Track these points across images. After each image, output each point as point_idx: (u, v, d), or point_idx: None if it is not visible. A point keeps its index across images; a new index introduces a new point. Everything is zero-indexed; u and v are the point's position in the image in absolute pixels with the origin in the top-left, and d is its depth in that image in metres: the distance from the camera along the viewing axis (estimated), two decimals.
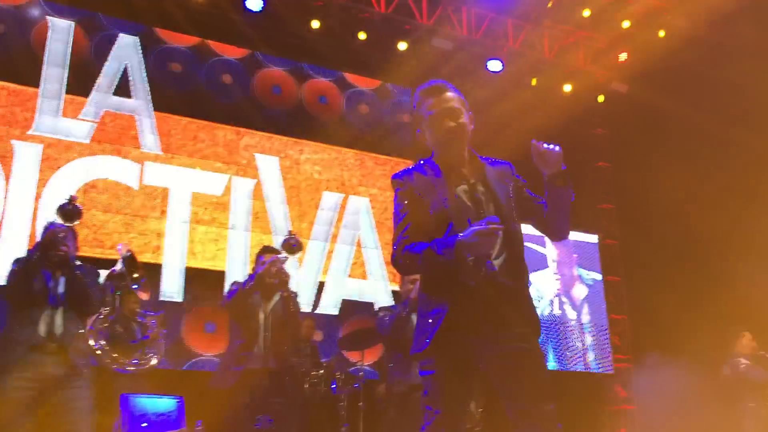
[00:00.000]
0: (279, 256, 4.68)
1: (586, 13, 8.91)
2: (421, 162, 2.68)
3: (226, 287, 7.43)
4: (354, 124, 8.91)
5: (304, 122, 8.59)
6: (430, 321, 2.48)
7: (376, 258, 8.40)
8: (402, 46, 8.82)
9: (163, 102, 7.80)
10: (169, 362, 6.75)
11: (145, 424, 5.16)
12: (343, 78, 9.02)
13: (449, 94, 2.64)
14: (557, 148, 2.57)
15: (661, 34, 8.97)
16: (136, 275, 4.48)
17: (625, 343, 9.77)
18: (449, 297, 2.47)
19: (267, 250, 4.90)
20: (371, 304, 8.20)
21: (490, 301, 2.46)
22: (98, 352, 4.49)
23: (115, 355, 4.73)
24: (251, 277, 4.59)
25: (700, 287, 8.01)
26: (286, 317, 4.66)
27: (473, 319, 2.45)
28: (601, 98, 9.99)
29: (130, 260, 4.46)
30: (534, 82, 9.55)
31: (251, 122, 8.24)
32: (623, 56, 9.60)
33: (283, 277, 4.69)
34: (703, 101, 7.99)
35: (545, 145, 2.57)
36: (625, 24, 9.09)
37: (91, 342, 4.36)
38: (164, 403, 5.21)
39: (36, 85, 7.25)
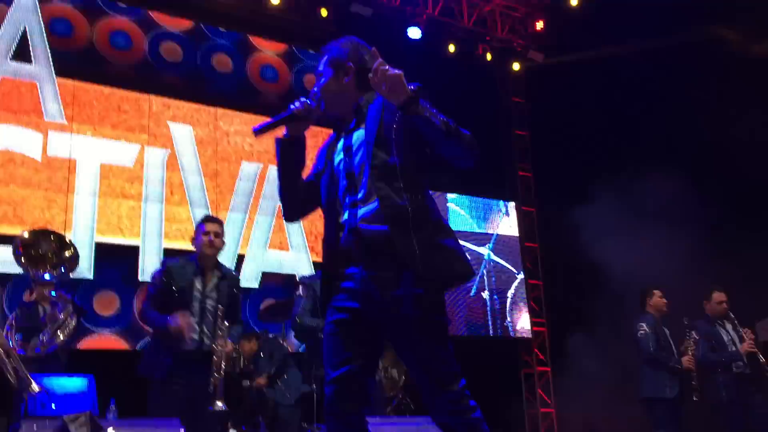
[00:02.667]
0: None
1: None
2: None
3: (141, 263, 7.25)
4: (268, 92, 8.67)
5: (218, 88, 8.30)
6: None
7: (298, 229, 8.26)
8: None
9: (66, 67, 7.36)
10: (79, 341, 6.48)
11: (54, 406, 4.92)
12: (247, 41, 8.75)
13: (319, 63, 2.59)
14: (396, 70, 2.28)
15: (575, 2, 9.11)
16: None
17: (542, 307, 10.03)
18: (325, 255, 2.50)
19: (209, 219, 4.68)
20: (292, 276, 8.08)
21: (359, 261, 2.37)
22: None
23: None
24: (167, 319, 4.25)
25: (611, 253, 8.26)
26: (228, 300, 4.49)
27: (343, 282, 2.40)
28: (516, 66, 10.09)
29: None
30: (453, 48, 9.53)
31: (162, 88, 7.90)
32: (540, 25, 9.72)
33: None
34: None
35: (383, 68, 2.27)
36: None
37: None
38: (74, 383, 4.98)
39: None
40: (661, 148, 8.29)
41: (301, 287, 5.65)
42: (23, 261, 4.23)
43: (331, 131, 2.63)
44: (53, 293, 5.08)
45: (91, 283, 6.95)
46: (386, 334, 2.40)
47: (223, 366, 4.24)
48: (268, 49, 8.83)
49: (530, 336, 9.83)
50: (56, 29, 7.45)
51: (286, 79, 8.83)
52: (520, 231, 10.13)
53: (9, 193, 6.77)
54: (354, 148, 2.45)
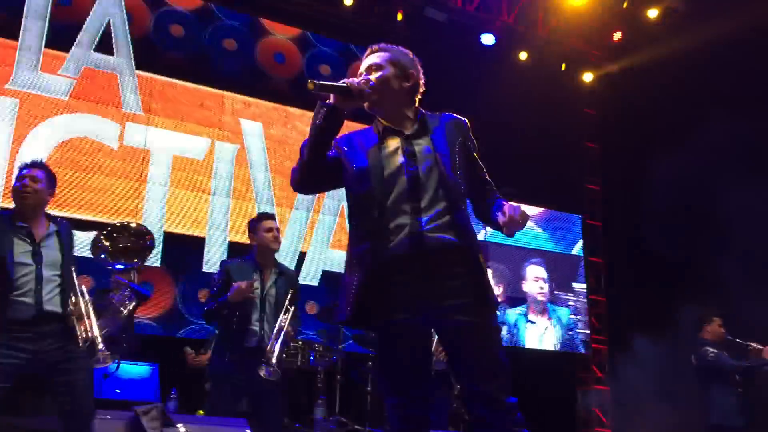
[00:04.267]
0: None
1: None
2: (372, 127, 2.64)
3: (206, 255, 7.40)
4: None
5: (290, 90, 8.40)
6: (353, 288, 2.38)
7: None
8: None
9: (146, 61, 7.58)
10: (152, 328, 6.65)
11: (118, 390, 5.07)
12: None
13: (373, 55, 2.61)
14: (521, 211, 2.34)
15: (653, 14, 8.86)
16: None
17: (604, 324, 9.81)
18: (365, 261, 2.37)
19: (264, 217, 4.73)
20: None
21: (417, 267, 2.33)
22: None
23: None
24: (223, 298, 4.34)
25: (682, 272, 8.02)
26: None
27: (397, 289, 2.33)
28: (589, 77, 9.88)
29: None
30: (525, 56, 9.41)
31: (238, 87, 8.05)
32: (617, 36, 9.51)
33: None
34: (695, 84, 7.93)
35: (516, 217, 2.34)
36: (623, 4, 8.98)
37: None
38: (139, 370, 5.12)
39: (15, 37, 7.00)
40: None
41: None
42: (102, 255, 4.31)
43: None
44: (120, 278, 5.25)
45: (158, 270, 7.12)
46: (446, 340, 2.39)
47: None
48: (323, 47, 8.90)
49: (589, 352, 9.62)
50: (137, 23, 7.67)
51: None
52: (584, 245, 9.93)
53: (85, 180, 6.99)
54: (419, 156, 2.45)
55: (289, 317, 4.35)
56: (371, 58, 2.60)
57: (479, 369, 2.28)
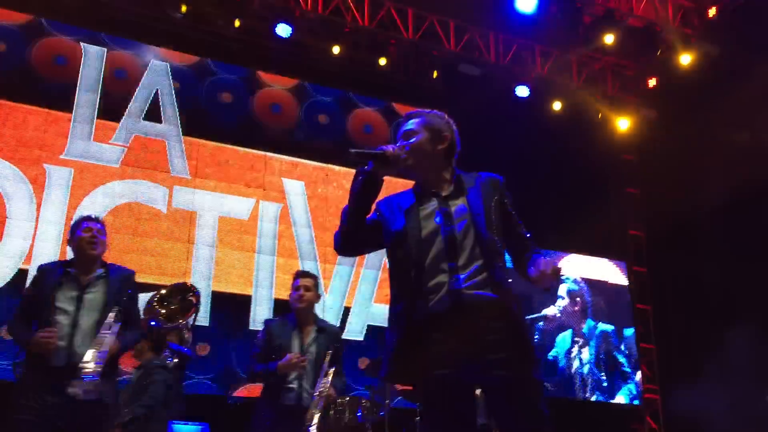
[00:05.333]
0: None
1: (609, 38, 8.82)
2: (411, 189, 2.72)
3: (252, 313, 7.52)
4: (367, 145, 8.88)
5: (331, 147, 8.60)
6: (393, 345, 2.46)
7: None
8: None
9: (192, 127, 7.89)
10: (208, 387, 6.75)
11: None
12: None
13: (408, 121, 2.70)
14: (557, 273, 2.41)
15: (687, 60, 8.86)
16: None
17: (655, 373, 9.59)
18: (402, 320, 2.44)
19: (301, 274, 4.78)
20: None
21: (456, 324, 2.37)
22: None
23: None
24: (272, 365, 4.39)
25: (731, 315, 7.85)
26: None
27: (436, 346, 2.36)
28: (626, 124, 9.87)
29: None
30: (559, 106, 9.46)
31: (278, 147, 8.30)
32: (653, 82, 9.54)
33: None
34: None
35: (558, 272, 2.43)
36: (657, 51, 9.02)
37: None
38: (190, 430, 5.19)
39: (69, 110, 7.37)
40: None
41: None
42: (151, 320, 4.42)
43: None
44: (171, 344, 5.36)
45: (207, 329, 7.25)
46: (489, 394, 2.42)
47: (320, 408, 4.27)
48: (367, 107, 9.12)
49: (641, 404, 9.38)
50: (183, 91, 8.02)
51: (384, 134, 9.04)
52: (631, 291, 9.79)
53: (136, 244, 7.23)
54: (455, 216, 2.53)
55: (330, 378, 4.37)
56: (407, 125, 2.69)
57: (523, 423, 2.32)
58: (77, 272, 3.79)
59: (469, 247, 2.47)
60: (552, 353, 8.94)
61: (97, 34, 7.74)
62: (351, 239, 2.62)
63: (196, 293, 4.50)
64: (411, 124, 2.68)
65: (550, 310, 9.05)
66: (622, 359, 9.43)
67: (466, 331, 2.36)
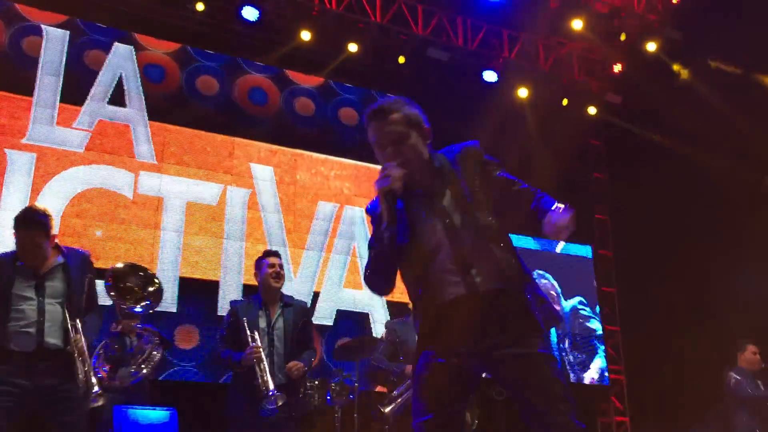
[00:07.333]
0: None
1: (578, 24, 8.90)
2: None
3: (220, 299, 7.48)
4: (347, 136, 8.88)
5: (300, 133, 8.57)
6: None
7: None
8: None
9: (157, 111, 7.78)
10: (163, 373, 6.70)
11: None
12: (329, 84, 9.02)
13: (390, 118, 2.50)
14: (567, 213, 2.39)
15: (652, 47, 8.98)
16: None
17: (620, 354, 9.77)
18: (422, 315, 2.50)
19: (270, 253, 4.79)
20: (366, 315, 8.18)
21: (465, 313, 2.38)
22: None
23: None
24: (236, 355, 4.39)
25: (696, 298, 8.02)
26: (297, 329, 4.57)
27: (451, 336, 2.39)
28: (592, 110, 9.97)
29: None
30: (526, 93, 9.51)
31: (246, 132, 8.23)
32: (618, 68, 9.65)
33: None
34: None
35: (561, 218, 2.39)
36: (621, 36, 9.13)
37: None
38: (157, 415, 5.16)
39: (30, 93, 7.22)
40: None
41: (385, 331, 5.69)
42: (112, 293, 4.43)
43: None
44: (139, 325, 5.34)
45: (174, 315, 7.20)
46: (501, 377, 2.42)
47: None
48: (347, 94, 9.09)
49: (607, 383, 9.56)
50: (150, 75, 7.89)
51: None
52: (596, 275, 9.94)
53: (102, 230, 7.13)
54: (449, 210, 2.47)
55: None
56: (390, 125, 2.50)
57: (540, 395, 2.31)
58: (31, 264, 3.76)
59: (469, 236, 2.43)
60: None
61: (61, 15, 7.59)
62: (393, 279, 2.56)
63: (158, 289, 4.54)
64: (396, 124, 2.50)
65: None
66: (594, 325, 9.60)
67: (476, 318, 2.37)
